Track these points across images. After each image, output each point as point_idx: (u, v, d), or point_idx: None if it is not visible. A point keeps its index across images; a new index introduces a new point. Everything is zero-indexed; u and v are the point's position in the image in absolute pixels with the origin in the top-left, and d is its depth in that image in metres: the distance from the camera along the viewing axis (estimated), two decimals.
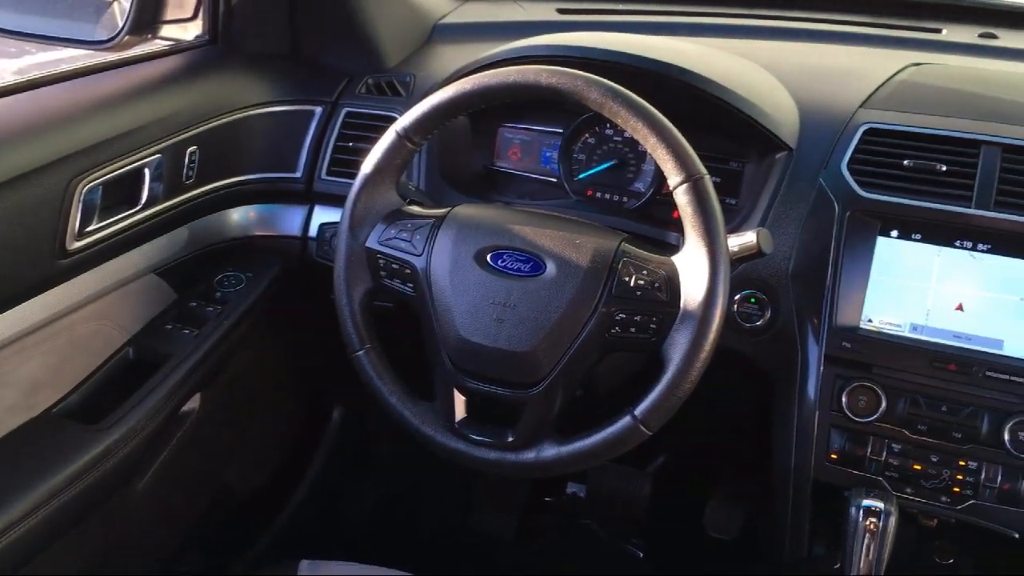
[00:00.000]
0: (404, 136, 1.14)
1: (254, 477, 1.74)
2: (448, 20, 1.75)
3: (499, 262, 1.09)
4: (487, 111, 1.18)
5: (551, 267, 1.07)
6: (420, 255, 1.13)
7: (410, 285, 1.14)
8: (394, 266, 1.14)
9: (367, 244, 1.16)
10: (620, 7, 1.80)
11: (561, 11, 1.79)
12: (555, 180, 1.46)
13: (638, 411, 1.03)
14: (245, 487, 1.72)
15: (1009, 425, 1.12)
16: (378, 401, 1.16)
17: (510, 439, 1.10)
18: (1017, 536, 1.14)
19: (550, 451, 1.08)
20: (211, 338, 1.38)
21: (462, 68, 1.41)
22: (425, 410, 1.15)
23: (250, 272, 1.51)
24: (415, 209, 1.18)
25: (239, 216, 1.53)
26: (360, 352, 1.16)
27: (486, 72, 1.11)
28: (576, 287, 1.05)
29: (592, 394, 1.18)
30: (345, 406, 1.90)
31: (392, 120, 1.16)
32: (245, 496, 1.72)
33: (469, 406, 1.13)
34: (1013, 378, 1.13)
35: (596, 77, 1.05)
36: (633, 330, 1.04)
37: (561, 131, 1.45)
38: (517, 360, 1.07)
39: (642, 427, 1.03)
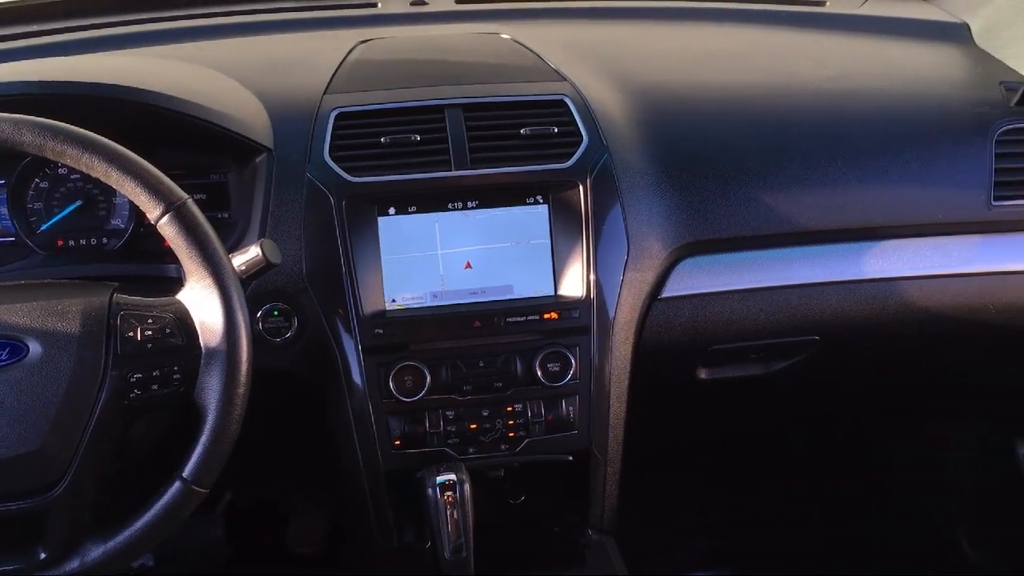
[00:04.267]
0: None
1: None
2: None
3: None
4: None
5: (35, 346, 0.91)
6: None
7: None
8: None
9: None
10: (43, 27, 1.57)
11: None
12: (13, 239, 1.25)
13: (187, 472, 0.94)
14: None
15: (538, 360, 1.21)
16: None
17: (43, 556, 0.94)
18: (571, 458, 1.25)
19: (96, 551, 0.95)
20: None
21: None
22: None
23: None
24: None
25: None
26: None
27: None
28: (72, 361, 0.91)
29: (131, 468, 1.04)
30: None
31: None
32: None
33: None
34: (528, 317, 1.21)
35: (25, 117, 0.91)
36: (156, 387, 0.94)
37: (4, 182, 1.24)
38: (23, 465, 0.90)
39: (196, 488, 0.94)
